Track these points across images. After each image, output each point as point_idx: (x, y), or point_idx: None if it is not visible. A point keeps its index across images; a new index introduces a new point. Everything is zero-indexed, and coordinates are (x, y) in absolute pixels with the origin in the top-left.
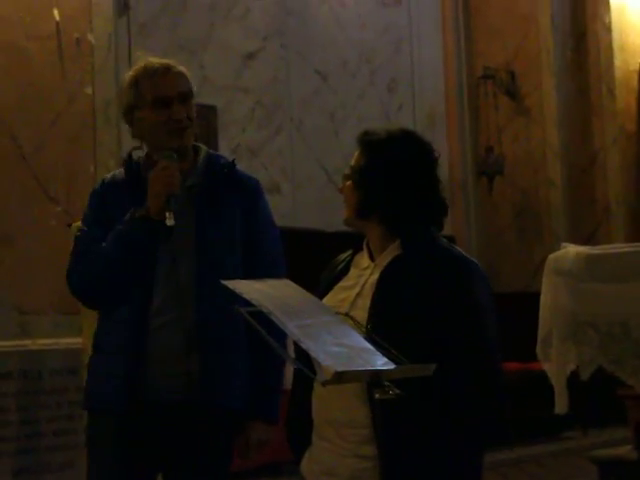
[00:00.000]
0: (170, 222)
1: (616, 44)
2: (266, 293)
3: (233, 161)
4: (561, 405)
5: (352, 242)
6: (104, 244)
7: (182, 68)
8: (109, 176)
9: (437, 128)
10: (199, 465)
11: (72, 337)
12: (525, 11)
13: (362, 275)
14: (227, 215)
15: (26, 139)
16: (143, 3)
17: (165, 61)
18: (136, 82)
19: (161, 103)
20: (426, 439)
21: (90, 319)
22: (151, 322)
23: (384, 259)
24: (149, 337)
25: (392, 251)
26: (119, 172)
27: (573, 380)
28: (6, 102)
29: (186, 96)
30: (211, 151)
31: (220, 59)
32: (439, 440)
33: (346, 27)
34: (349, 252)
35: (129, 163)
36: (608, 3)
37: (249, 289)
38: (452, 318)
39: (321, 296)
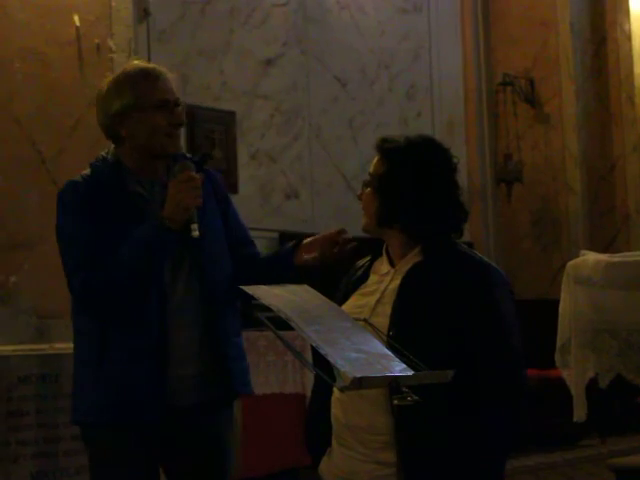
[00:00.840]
0: (195, 233)
1: (636, 52)
2: (285, 298)
3: (204, 155)
4: (579, 413)
5: (370, 248)
6: (124, 254)
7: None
8: (79, 179)
9: (456, 135)
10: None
11: None
12: (544, 18)
13: (382, 281)
14: (209, 209)
15: (46, 144)
16: (163, 9)
17: (158, 66)
18: (134, 83)
19: (164, 106)
20: (446, 445)
21: None
22: (168, 327)
23: (404, 265)
24: (168, 341)
25: (413, 258)
26: (86, 174)
27: (592, 387)
28: (26, 107)
29: (179, 102)
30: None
31: (239, 65)
32: (459, 446)
33: (366, 34)
34: (367, 258)
35: (112, 165)
36: (628, 11)
37: (267, 294)
38: (475, 324)
39: (340, 303)
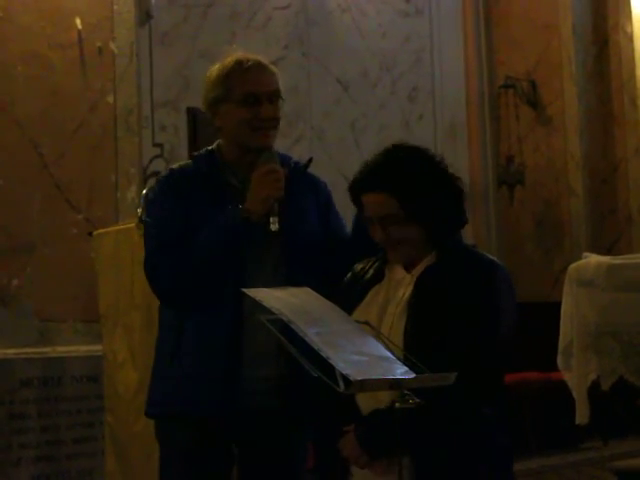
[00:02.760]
0: (274, 227)
1: (638, 54)
2: (286, 301)
3: (310, 160)
4: (582, 415)
5: (374, 251)
6: (200, 240)
7: (273, 67)
8: (176, 167)
9: (458, 138)
10: (279, 459)
11: (92, 344)
12: (546, 21)
13: (399, 288)
14: (307, 213)
15: (48, 147)
16: (165, 12)
17: (258, 58)
18: (227, 75)
19: (251, 100)
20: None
21: (110, 326)
22: (245, 324)
23: (419, 270)
24: (244, 339)
25: (427, 261)
26: (185, 164)
27: (594, 390)
28: (28, 111)
29: (275, 95)
30: (278, 151)
31: None
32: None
33: (367, 36)
34: (370, 261)
35: (210, 156)
36: (630, 13)
37: (269, 297)
38: (470, 322)
39: (355, 300)
